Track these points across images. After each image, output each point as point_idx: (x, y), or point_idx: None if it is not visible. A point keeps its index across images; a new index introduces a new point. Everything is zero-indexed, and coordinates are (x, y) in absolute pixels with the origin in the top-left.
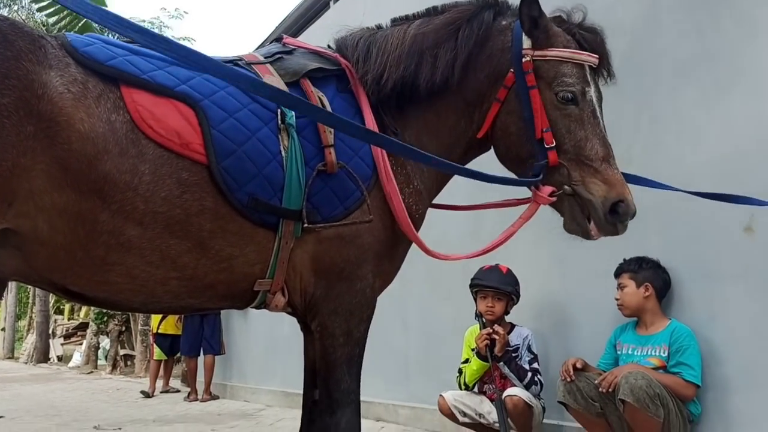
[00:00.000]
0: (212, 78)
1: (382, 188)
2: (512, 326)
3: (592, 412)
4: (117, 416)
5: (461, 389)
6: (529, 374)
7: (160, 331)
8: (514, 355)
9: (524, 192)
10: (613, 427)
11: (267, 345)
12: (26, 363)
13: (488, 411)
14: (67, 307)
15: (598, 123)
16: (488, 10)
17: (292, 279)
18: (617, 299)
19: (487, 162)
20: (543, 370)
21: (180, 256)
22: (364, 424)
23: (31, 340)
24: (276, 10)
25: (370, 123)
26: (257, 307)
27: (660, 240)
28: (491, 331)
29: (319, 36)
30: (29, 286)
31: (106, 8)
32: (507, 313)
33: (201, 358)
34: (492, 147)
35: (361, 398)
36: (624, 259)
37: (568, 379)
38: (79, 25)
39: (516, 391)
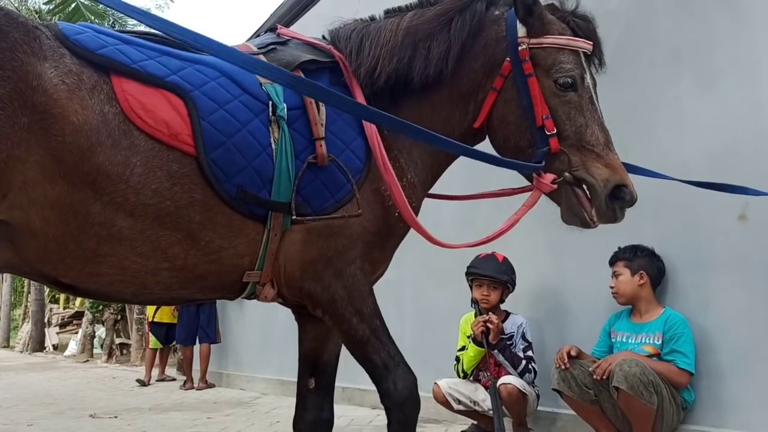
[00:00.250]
0: (203, 69)
1: (374, 181)
2: (507, 314)
3: (587, 399)
4: (113, 405)
5: (459, 377)
6: (523, 362)
7: (155, 320)
8: (508, 343)
9: (520, 181)
10: (607, 415)
11: (263, 333)
12: (22, 352)
13: (483, 399)
14: (62, 296)
15: (595, 109)
16: (480, 0)
17: (281, 270)
18: (612, 287)
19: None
20: (538, 357)
21: (170, 246)
22: (360, 412)
23: (26, 329)
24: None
25: None
26: (248, 298)
27: (654, 228)
28: (486, 318)
29: (313, 26)
30: None
31: None
32: (502, 301)
33: (197, 347)
34: (488, 137)
35: (356, 386)
36: (619, 248)
37: (563, 367)
38: (70, 9)
39: (510, 379)
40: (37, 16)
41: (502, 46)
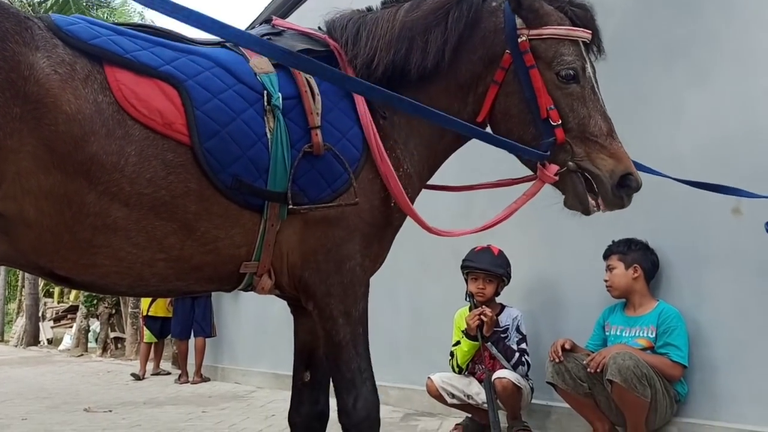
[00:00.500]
0: (197, 59)
1: (371, 170)
2: (502, 307)
3: (580, 392)
4: (107, 399)
5: (454, 372)
6: (517, 354)
7: (150, 314)
8: (503, 335)
9: (516, 173)
10: (600, 407)
11: (257, 327)
12: (16, 346)
13: (477, 392)
14: (56, 290)
15: (597, 99)
16: None
17: (279, 261)
18: (606, 281)
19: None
20: (532, 350)
21: (166, 237)
22: None
23: (20, 323)
24: None
25: (360, 105)
26: (244, 290)
27: (648, 222)
28: (481, 310)
29: (309, 18)
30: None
31: None
32: (498, 294)
33: (192, 341)
34: (491, 130)
35: None
36: (613, 241)
37: (557, 360)
38: None
39: (505, 373)
40: (30, 9)
41: (501, 38)
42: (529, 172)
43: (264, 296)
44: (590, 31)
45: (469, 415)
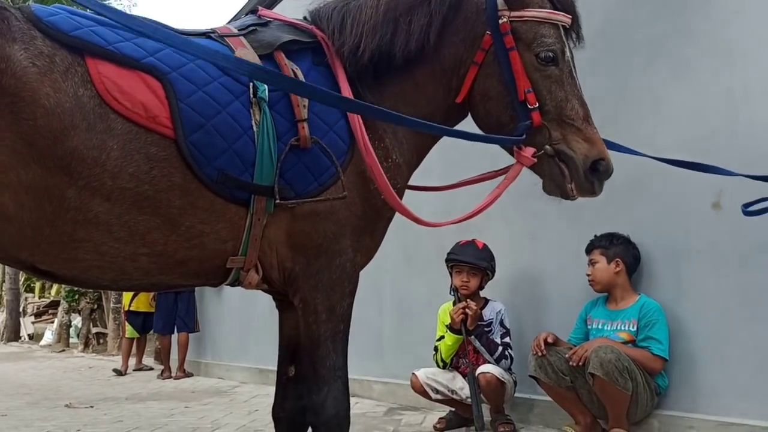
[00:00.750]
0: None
1: (359, 163)
2: (486, 301)
3: (563, 385)
4: (89, 394)
5: (438, 366)
6: (500, 348)
7: (131, 309)
8: (486, 329)
9: (500, 163)
10: (583, 400)
11: (241, 322)
12: None
13: (461, 387)
14: (37, 285)
15: (575, 83)
16: None
17: (268, 255)
18: (588, 275)
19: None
20: (516, 344)
21: (149, 232)
22: None
23: (1, 318)
24: None
25: (347, 94)
26: (231, 285)
27: (630, 216)
28: (465, 304)
29: (294, 8)
30: None
31: None
32: (482, 288)
33: (174, 336)
34: (470, 112)
35: None
36: (595, 235)
37: (540, 354)
38: None
39: (489, 368)
40: (7, 1)
41: (482, 19)
42: (512, 161)
43: (247, 291)
44: (570, 16)
45: (453, 409)
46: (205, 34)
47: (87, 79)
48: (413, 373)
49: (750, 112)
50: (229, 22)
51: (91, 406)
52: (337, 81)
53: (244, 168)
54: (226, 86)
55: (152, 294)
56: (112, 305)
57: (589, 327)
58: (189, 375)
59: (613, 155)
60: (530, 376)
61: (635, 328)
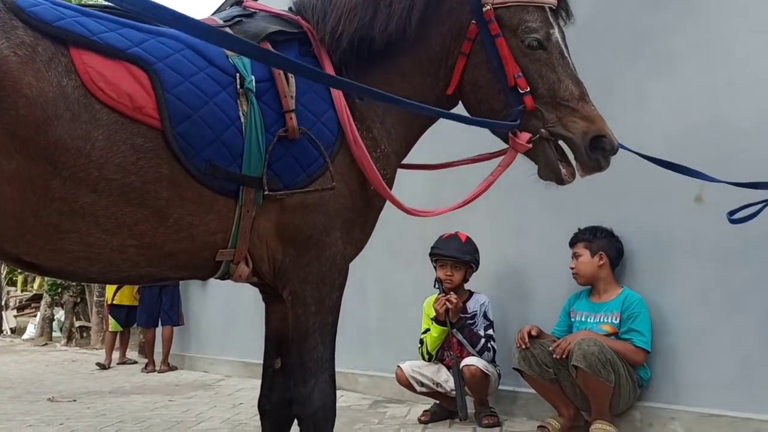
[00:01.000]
0: (166, 41)
1: (348, 154)
2: (470, 293)
3: (546, 378)
4: (72, 388)
5: (424, 359)
6: (483, 340)
7: (115, 302)
8: (470, 322)
9: (493, 147)
10: (566, 393)
11: (226, 315)
12: None
13: (445, 380)
14: (20, 278)
15: (567, 63)
16: None
17: (258, 247)
18: (572, 268)
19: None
20: (500, 337)
21: (137, 223)
22: None
23: None
24: None
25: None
26: (221, 278)
27: (613, 210)
28: (447, 297)
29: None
30: None
31: None
32: (466, 280)
33: (159, 329)
34: (462, 103)
35: None
36: (579, 229)
37: (524, 347)
38: None
39: (473, 361)
40: None
41: (467, 8)
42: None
43: (232, 284)
44: None
45: (438, 402)
46: None
47: (71, 69)
48: (399, 366)
49: (733, 108)
50: (214, 13)
51: (74, 400)
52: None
53: (232, 159)
54: (213, 77)
55: (136, 287)
56: (95, 299)
57: (573, 320)
58: (173, 368)
59: None
60: (514, 368)
61: (618, 321)
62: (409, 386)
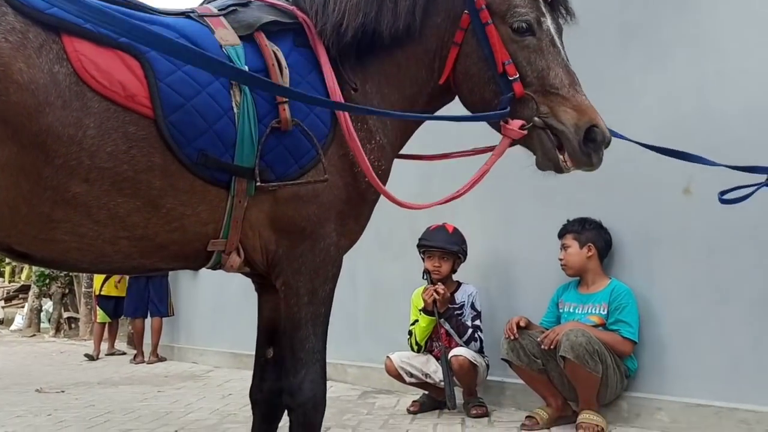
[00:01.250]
0: (159, 29)
1: (342, 146)
2: (459, 284)
3: (534, 368)
4: (60, 379)
5: (413, 350)
6: (470, 330)
7: (102, 293)
8: (458, 312)
9: (485, 137)
10: (554, 383)
11: (215, 306)
12: None
13: (434, 370)
14: (7, 269)
15: (558, 52)
16: None
17: (250, 238)
18: (561, 259)
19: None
20: (488, 328)
21: (129, 215)
22: None
23: None
24: None
25: (329, 78)
26: (213, 268)
27: (601, 201)
28: (435, 287)
29: None
30: None
31: None
32: (454, 271)
33: (148, 320)
34: (456, 95)
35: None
36: (568, 220)
37: (512, 337)
38: None
39: (461, 351)
40: None
41: None
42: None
43: (222, 275)
44: None
45: (427, 393)
46: (185, 14)
47: (63, 56)
48: (388, 357)
49: (721, 100)
50: (209, 1)
51: (63, 391)
52: (318, 63)
53: (225, 149)
54: None
55: (118, 277)
56: (83, 289)
57: (561, 310)
58: (162, 359)
59: None
60: (502, 359)
61: (606, 312)
62: (398, 377)
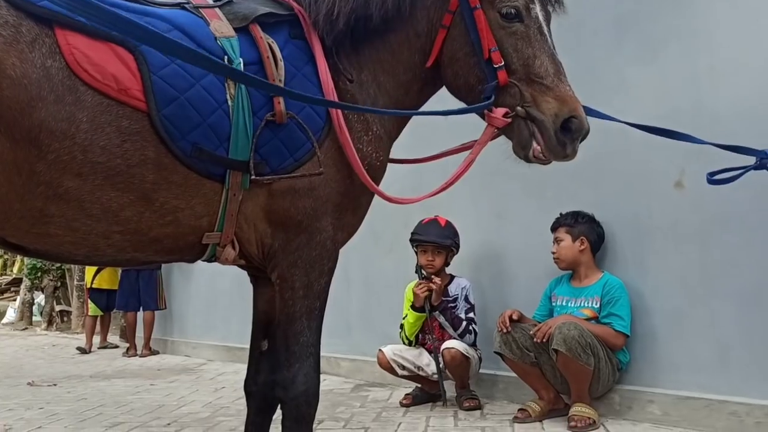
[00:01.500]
0: (153, 21)
1: (338, 138)
2: (452, 277)
3: (527, 361)
4: (52, 372)
5: (404, 344)
6: (464, 323)
7: (94, 286)
8: (451, 305)
9: (476, 130)
10: (546, 376)
11: (208, 299)
12: None
13: (426, 363)
14: None
15: (545, 40)
16: None
17: (246, 231)
18: (553, 252)
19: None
20: (481, 321)
21: (122, 209)
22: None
23: None
24: None
25: (323, 69)
26: (208, 261)
27: (594, 195)
28: (429, 281)
29: None
30: None
31: None
32: (447, 264)
33: (140, 313)
34: (442, 78)
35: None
36: (560, 214)
37: (505, 331)
38: None
39: (454, 344)
40: None
41: None
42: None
43: (215, 268)
44: None
45: (419, 386)
46: (180, 5)
47: (56, 50)
48: (380, 350)
49: (715, 93)
50: None
51: (55, 384)
52: (313, 55)
53: (219, 142)
54: None
55: (114, 270)
56: (75, 283)
57: (554, 304)
58: (155, 353)
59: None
60: (495, 352)
61: (598, 305)
62: (391, 370)
